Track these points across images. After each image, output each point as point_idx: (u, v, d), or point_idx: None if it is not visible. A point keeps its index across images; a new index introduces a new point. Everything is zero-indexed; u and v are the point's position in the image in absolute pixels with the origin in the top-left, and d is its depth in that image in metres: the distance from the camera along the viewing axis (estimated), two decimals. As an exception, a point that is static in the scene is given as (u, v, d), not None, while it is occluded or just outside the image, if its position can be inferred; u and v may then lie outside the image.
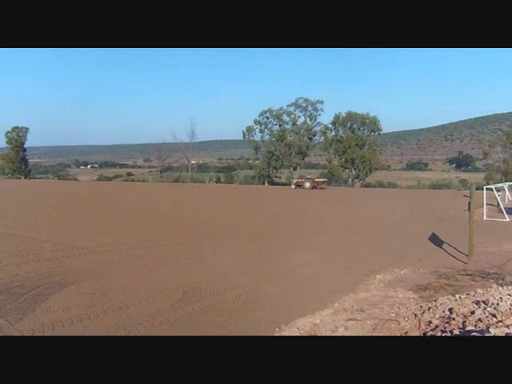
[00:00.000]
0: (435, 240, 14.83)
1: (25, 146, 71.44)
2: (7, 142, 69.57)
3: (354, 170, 62.21)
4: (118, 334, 6.11)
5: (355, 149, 60.87)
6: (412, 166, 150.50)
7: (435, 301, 6.90)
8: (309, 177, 52.61)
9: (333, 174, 64.25)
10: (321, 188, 49.42)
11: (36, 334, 6.12)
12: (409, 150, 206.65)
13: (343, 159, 62.61)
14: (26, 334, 6.07)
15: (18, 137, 69.66)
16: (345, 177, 64.58)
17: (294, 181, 52.53)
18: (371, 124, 61.84)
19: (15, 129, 69.88)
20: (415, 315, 6.50)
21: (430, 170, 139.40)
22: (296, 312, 7.22)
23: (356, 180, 62.39)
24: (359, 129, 62.76)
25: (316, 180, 51.01)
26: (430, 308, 6.53)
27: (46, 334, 6.12)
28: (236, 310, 7.45)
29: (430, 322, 5.96)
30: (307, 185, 49.01)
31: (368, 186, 61.26)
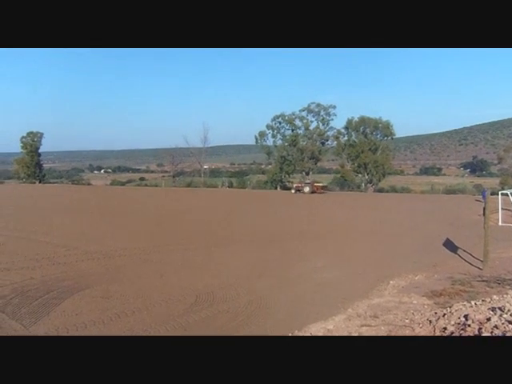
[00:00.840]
0: (450, 245, 14.65)
1: (39, 150, 72.21)
2: (22, 147, 70.37)
3: (367, 174, 61.85)
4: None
5: (368, 153, 60.55)
6: (425, 171, 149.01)
7: (450, 307, 6.80)
8: (308, 181, 52.99)
9: (345, 179, 63.93)
10: (320, 193, 49.46)
11: (50, 337, 6.16)
12: (422, 155, 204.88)
13: (356, 164, 62.31)
14: (40, 337, 6.12)
15: (32, 142, 70.38)
16: (357, 181, 64.19)
17: (294, 185, 52.84)
18: (384, 128, 61.47)
19: (30, 134, 70.64)
20: (430, 322, 6.41)
21: (444, 174, 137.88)
22: (309, 317, 7.18)
23: (369, 185, 62.00)
24: (372, 133, 62.43)
25: (315, 185, 51.25)
26: (444, 314, 6.44)
27: (60, 337, 6.16)
28: (249, 315, 7.43)
29: (445, 329, 5.87)
30: (306, 189, 49.40)
31: (381, 190, 60.82)
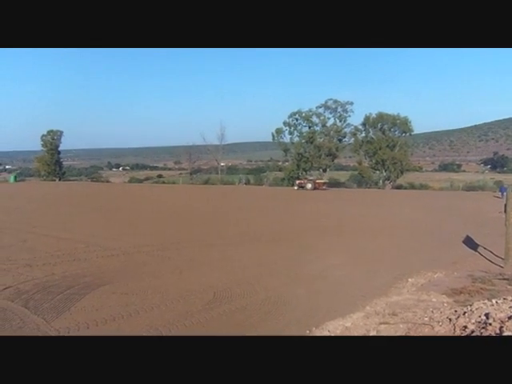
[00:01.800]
0: (470, 243, 14.45)
1: (59, 148, 73.29)
2: (42, 145, 71.49)
3: (385, 171, 61.33)
4: (150, 334, 6.20)
5: (386, 150, 60.02)
6: (445, 168, 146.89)
7: (471, 305, 6.71)
8: (311, 178, 54.41)
9: (363, 176, 63.50)
10: (322, 189, 50.71)
11: (71, 332, 6.27)
12: (441, 151, 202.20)
13: (374, 161, 61.82)
14: (61, 332, 6.23)
15: (52, 140, 71.40)
16: (375, 178, 63.69)
17: (297, 182, 53.71)
18: (402, 125, 60.82)
19: (50, 132, 71.71)
20: (450, 320, 6.34)
21: (464, 171, 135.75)
22: (327, 315, 7.17)
23: (387, 182, 61.49)
24: (390, 130, 61.85)
25: (317, 181, 52.62)
26: (465, 313, 6.36)
27: (81, 332, 6.26)
28: (266, 312, 7.45)
29: (466, 327, 5.80)
30: (309, 186, 50.83)
31: (399, 187, 60.24)
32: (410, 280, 9.72)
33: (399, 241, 15.34)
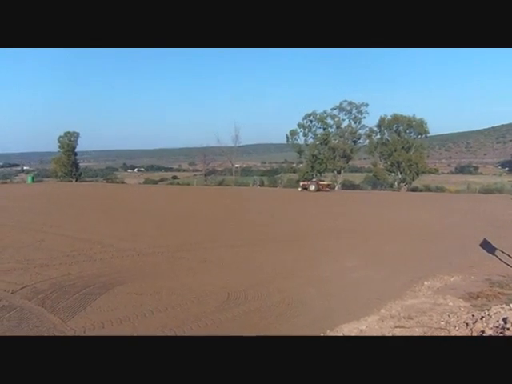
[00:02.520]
0: (487, 246, 14.22)
1: (76, 150, 74.18)
2: (59, 147, 72.41)
3: (400, 173, 60.77)
4: (164, 335, 6.23)
5: (401, 152, 59.46)
6: (461, 170, 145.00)
7: (488, 310, 6.61)
8: (314, 180, 54.76)
9: (378, 178, 63.03)
10: (325, 190, 51.11)
11: (87, 331, 6.34)
12: (458, 153, 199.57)
13: (389, 162, 61.29)
14: (77, 331, 6.30)
15: (69, 141, 72.27)
16: (390, 180, 63.16)
17: (301, 183, 54.38)
18: (418, 126, 60.17)
19: (67, 134, 72.63)
20: (467, 324, 6.25)
21: (481, 173, 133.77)
22: (341, 317, 7.12)
23: (402, 184, 60.92)
24: (405, 131, 61.23)
25: (320, 183, 53.02)
26: (482, 317, 6.27)
27: (96, 332, 6.32)
28: (280, 313, 7.43)
29: (483, 332, 5.72)
30: (312, 187, 51.24)
31: (414, 189, 59.63)
32: (425, 283, 9.60)
33: (414, 243, 15.19)
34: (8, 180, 77.16)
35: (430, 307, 7.75)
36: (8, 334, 6.13)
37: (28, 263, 10.73)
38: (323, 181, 56.12)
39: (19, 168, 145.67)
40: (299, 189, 52.93)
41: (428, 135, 62.89)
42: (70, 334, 6.21)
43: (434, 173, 74.03)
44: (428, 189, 60.34)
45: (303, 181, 56.40)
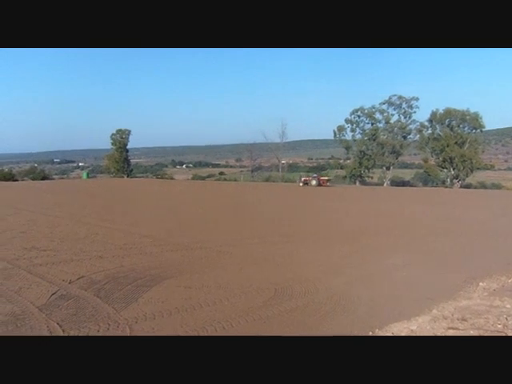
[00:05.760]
0: (547, 246, 13.50)
1: (127, 147, 76.59)
2: (112, 144, 75.12)
3: (453, 169, 58.65)
4: (212, 328, 6.34)
5: (454, 147, 57.35)
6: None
7: (548, 313, 6.28)
8: (315, 175, 55.03)
9: (429, 174, 61.17)
10: (325, 186, 51.35)
11: (139, 322, 6.56)
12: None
13: (441, 158, 59.31)
14: (130, 322, 6.53)
15: (121, 139, 74.78)
16: (442, 177, 61.09)
17: (302, 179, 54.38)
18: (472, 121, 57.81)
19: (119, 131, 75.19)
20: (525, 327, 5.97)
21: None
22: (390, 316, 6.98)
23: (455, 180, 58.79)
24: (459, 126, 59.03)
25: (321, 178, 53.40)
26: (542, 320, 5.96)
27: (148, 322, 6.53)
28: (328, 311, 7.38)
29: (542, 336, 5.44)
30: (313, 182, 51.55)
31: (468, 186, 57.44)
32: (480, 284, 9.22)
33: (465, 241, 14.63)
34: (65, 176, 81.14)
35: (485, 309, 7.44)
36: (66, 322, 6.45)
37: (84, 255, 11.24)
38: (324, 176, 56.75)
39: (75, 164, 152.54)
40: (300, 184, 53.10)
41: (483, 129, 60.26)
42: (123, 323, 6.45)
43: (490, 169, 70.85)
44: (483, 186, 57.95)
45: (305, 176, 56.91)
